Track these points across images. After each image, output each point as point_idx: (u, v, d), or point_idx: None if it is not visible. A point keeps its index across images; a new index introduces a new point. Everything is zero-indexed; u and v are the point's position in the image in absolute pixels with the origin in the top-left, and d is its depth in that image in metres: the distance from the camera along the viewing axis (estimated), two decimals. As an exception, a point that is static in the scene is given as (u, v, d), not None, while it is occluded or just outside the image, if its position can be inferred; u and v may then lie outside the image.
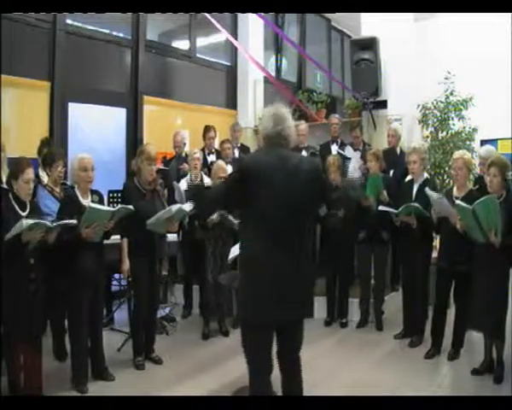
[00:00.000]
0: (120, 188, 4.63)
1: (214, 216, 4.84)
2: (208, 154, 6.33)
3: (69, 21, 5.93)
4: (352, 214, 5.11)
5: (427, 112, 7.30)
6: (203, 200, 3.11)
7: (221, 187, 2.90)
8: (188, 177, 5.64)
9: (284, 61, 9.24)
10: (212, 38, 8.04)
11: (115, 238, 4.19)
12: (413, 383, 3.95)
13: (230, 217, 4.84)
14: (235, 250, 4.09)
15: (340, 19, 9.80)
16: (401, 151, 5.89)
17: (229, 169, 5.37)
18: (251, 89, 8.12)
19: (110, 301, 5.44)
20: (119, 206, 4.00)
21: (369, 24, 6.84)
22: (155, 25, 7.11)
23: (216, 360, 4.45)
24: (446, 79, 7.15)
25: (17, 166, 3.53)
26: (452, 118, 7.18)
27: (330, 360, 4.50)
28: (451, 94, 7.18)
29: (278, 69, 9.12)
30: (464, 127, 7.18)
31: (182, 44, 7.65)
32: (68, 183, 4.47)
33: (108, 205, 4.74)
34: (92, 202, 3.82)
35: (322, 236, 5.79)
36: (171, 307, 5.81)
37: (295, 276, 2.67)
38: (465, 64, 7.48)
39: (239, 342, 2.80)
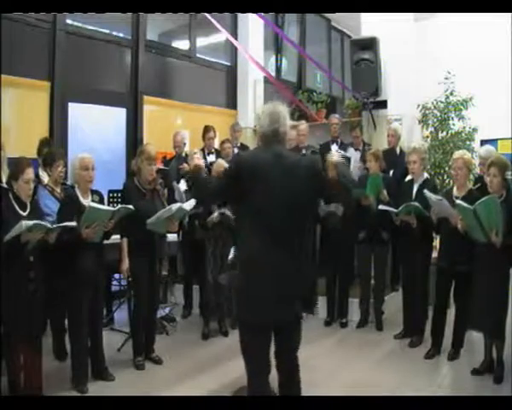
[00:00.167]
0: (120, 188, 4.63)
1: (214, 215, 4.84)
2: (208, 154, 6.33)
3: (69, 21, 5.93)
4: (352, 214, 5.12)
5: (427, 112, 7.30)
6: (204, 190, 3.07)
7: (218, 181, 2.88)
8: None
9: (284, 61, 9.24)
10: (212, 38, 8.04)
11: (115, 238, 4.19)
12: (413, 383, 3.95)
13: (230, 215, 4.83)
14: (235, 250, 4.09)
15: (340, 19, 9.80)
16: (401, 151, 5.89)
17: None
18: (251, 89, 8.12)
19: (110, 301, 5.44)
20: (119, 206, 4.00)
21: (369, 24, 6.84)
22: (155, 25, 7.11)
23: (216, 360, 4.45)
24: (446, 79, 7.14)
25: (17, 166, 3.53)
26: (452, 118, 7.18)
27: (330, 360, 4.50)
28: (451, 94, 7.17)
29: (278, 69, 9.12)
30: (464, 127, 7.18)
31: (182, 44, 7.65)
32: (69, 183, 4.46)
33: (108, 205, 4.73)
34: (92, 201, 3.82)
35: (322, 236, 5.79)
36: (171, 307, 5.81)
37: (293, 274, 2.65)
38: (465, 64, 7.48)
39: (239, 343, 2.79)
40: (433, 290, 4.53)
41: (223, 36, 7.57)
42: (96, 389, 3.84)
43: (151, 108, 6.87)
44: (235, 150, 6.53)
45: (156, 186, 4.42)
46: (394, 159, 5.74)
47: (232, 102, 8.21)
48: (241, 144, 6.78)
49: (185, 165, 5.90)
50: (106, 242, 4.02)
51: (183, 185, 5.57)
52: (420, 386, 3.88)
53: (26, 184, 3.49)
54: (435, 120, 7.26)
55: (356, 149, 6.29)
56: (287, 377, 2.80)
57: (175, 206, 4.24)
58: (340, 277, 5.46)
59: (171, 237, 5.04)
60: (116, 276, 5.39)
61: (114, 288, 5.57)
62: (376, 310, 5.32)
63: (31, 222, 3.33)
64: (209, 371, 4.22)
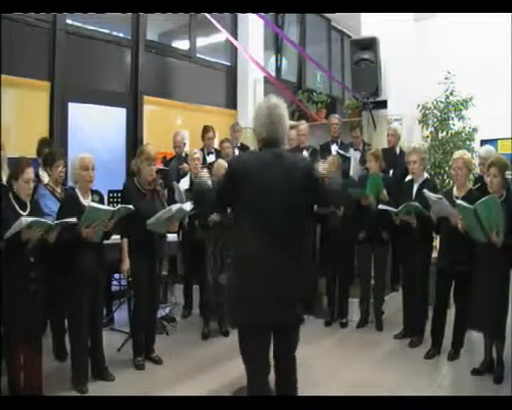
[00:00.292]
0: (120, 188, 4.63)
1: (215, 215, 4.84)
2: (207, 154, 6.34)
3: (69, 21, 5.93)
4: (352, 214, 5.13)
5: (427, 112, 7.30)
6: (203, 202, 3.11)
7: (217, 189, 2.90)
8: (188, 177, 5.64)
9: (284, 61, 9.24)
10: (212, 38, 8.04)
11: (115, 238, 4.19)
12: (413, 383, 3.95)
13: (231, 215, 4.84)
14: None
15: (340, 19, 9.80)
16: (401, 151, 5.89)
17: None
18: (251, 89, 8.12)
19: (110, 301, 5.43)
20: (119, 206, 4.00)
21: (369, 24, 6.84)
22: (155, 25, 7.11)
23: (216, 360, 4.45)
24: (446, 79, 7.15)
25: (17, 166, 3.54)
26: (452, 118, 7.18)
27: (330, 360, 4.50)
28: (451, 94, 7.18)
29: (278, 69, 9.12)
30: (464, 127, 7.18)
31: (182, 44, 7.65)
32: (69, 184, 4.46)
33: (108, 205, 4.73)
34: (92, 201, 3.82)
35: (322, 236, 5.79)
36: (171, 307, 5.81)
37: (293, 275, 2.65)
38: (465, 64, 7.47)
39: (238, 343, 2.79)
40: (433, 290, 4.53)
41: (223, 36, 7.57)
42: (95, 389, 3.84)
43: (151, 108, 6.87)
44: (236, 150, 6.54)
45: (156, 187, 4.42)
46: (394, 158, 5.74)
47: (232, 102, 8.21)
48: (241, 144, 6.78)
49: (185, 165, 5.91)
50: (106, 242, 4.02)
51: (183, 185, 5.57)
52: (420, 386, 3.88)
53: (25, 184, 3.49)
54: (435, 120, 7.26)
55: (356, 149, 6.30)
56: (283, 377, 2.80)
57: (175, 206, 4.25)
58: (340, 277, 5.46)
59: (171, 237, 5.04)
60: (116, 276, 5.39)
61: (114, 288, 5.56)
62: (376, 310, 5.32)
63: (30, 218, 3.33)
64: (209, 371, 4.22)
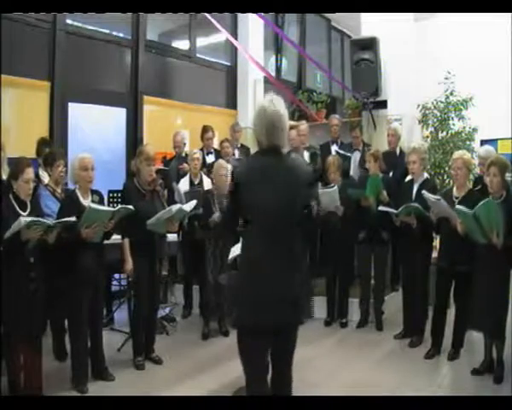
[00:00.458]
0: (120, 188, 4.63)
1: (216, 215, 4.84)
2: (207, 154, 6.34)
3: (69, 21, 5.94)
4: (352, 214, 5.13)
5: (427, 112, 7.30)
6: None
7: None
8: (188, 177, 5.65)
9: (284, 61, 9.24)
10: (212, 38, 8.05)
11: (116, 238, 4.20)
12: (413, 383, 3.95)
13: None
14: (235, 250, 4.09)
15: (340, 19, 9.80)
16: (401, 151, 5.89)
17: (229, 168, 5.36)
18: (251, 89, 8.12)
19: (110, 301, 5.44)
20: (119, 206, 4.00)
21: (369, 24, 6.84)
22: (155, 25, 7.12)
23: (216, 360, 4.45)
24: (446, 79, 7.14)
25: (17, 166, 3.53)
26: (452, 118, 7.18)
27: (330, 360, 4.50)
28: (451, 94, 7.18)
29: (278, 69, 9.12)
30: (464, 127, 7.18)
31: (182, 44, 7.65)
32: (69, 185, 4.46)
33: (108, 205, 4.74)
34: (92, 201, 3.82)
35: (322, 236, 5.79)
36: (171, 307, 5.81)
37: (294, 277, 2.65)
38: (465, 64, 7.47)
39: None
40: (433, 290, 4.53)
41: (223, 36, 7.57)
42: (95, 389, 3.84)
43: (151, 108, 6.87)
44: (236, 151, 6.54)
45: (156, 187, 4.42)
46: (394, 161, 5.73)
47: (232, 102, 8.22)
48: (242, 145, 6.78)
49: (185, 165, 5.91)
50: (106, 242, 4.02)
51: (182, 186, 5.57)
52: (420, 386, 3.88)
53: (25, 184, 3.49)
54: (435, 120, 7.26)
55: (356, 150, 6.29)
56: (279, 377, 2.78)
57: (175, 207, 4.25)
58: (340, 277, 5.46)
59: (171, 237, 5.04)
60: (116, 276, 5.39)
61: (114, 288, 5.57)
62: (376, 310, 5.32)
63: (29, 218, 3.33)
64: (209, 371, 4.22)
